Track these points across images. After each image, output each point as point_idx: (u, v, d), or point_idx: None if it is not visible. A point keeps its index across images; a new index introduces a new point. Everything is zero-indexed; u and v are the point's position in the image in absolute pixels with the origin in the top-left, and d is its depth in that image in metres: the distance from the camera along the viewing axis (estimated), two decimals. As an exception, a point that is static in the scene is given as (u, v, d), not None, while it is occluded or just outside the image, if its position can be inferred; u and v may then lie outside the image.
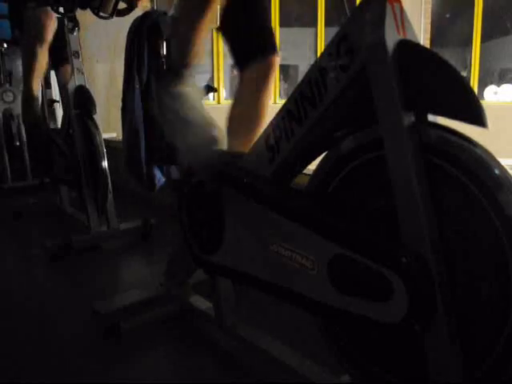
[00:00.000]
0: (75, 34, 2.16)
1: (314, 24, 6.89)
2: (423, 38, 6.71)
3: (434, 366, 0.75)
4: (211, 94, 5.97)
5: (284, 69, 7.74)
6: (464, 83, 0.69)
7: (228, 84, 7.07)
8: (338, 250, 0.80)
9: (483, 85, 7.27)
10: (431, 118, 0.76)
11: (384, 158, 0.76)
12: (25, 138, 3.42)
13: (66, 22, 2.12)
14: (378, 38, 0.73)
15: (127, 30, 1.64)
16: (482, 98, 7.21)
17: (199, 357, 1.30)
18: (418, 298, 0.72)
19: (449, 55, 7.10)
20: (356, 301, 0.79)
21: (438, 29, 7.14)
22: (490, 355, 0.71)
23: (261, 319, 1.40)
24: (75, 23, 2.15)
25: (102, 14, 2.07)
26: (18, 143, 3.52)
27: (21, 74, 3.04)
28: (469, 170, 0.70)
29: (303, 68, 7.68)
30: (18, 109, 3.44)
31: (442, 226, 0.74)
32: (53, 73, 2.64)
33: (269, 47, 1.32)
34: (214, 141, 1.18)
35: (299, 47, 7.33)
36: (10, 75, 3.68)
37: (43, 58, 2.30)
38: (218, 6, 1.21)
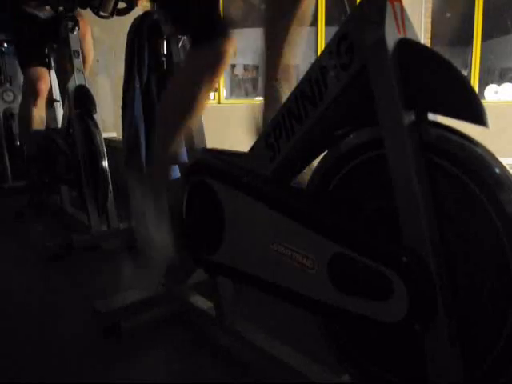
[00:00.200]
0: (75, 33, 2.16)
1: (315, 23, 6.89)
2: (424, 38, 6.71)
3: (434, 367, 0.75)
4: (211, 94, 5.96)
5: (284, 68, 7.72)
6: (464, 82, 0.69)
7: (228, 84, 7.07)
8: (338, 249, 0.80)
9: (484, 84, 7.26)
10: (431, 116, 0.76)
11: (384, 157, 0.76)
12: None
13: (65, 22, 2.13)
14: (378, 37, 0.73)
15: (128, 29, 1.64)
16: (483, 97, 7.20)
17: (199, 356, 1.30)
18: (418, 297, 0.72)
19: (449, 54, 7.09)
20: (356, 300, 0.79)
21: (439, 28, 7.13)
22: (489, 356, 0.71)
23: (261, 318, 1.39)
24: (75, 23, 2.15)
25: (101, 13, 2.07)
26: (18, 143, 3.52)
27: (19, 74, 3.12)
28: (469, 169, 0.70)
29: (304, 67, 7.64)
30: (18, 108, 3.44)
31: (443, 225, 0.73)
32: (53, 73, 2.64)
33: (219, 29, 1.13)
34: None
35: (299, 46, 7.31)
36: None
37: (40, 109, 2.59)
38: None
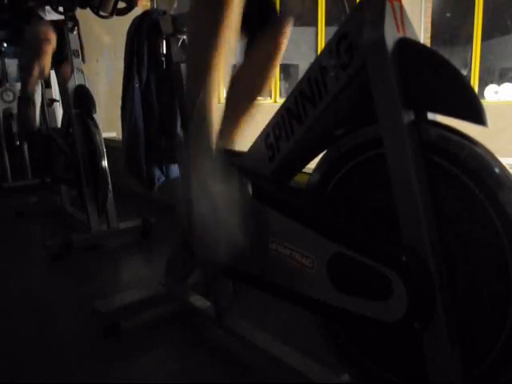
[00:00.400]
0: (75, 33, 2.16)
1: (315, 23, 6.89)
2: (423, 37, 6.71)
3: (434, 366, 0.75)
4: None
5: (284, 68, 7.74)
6: (464, 81, 0.69)
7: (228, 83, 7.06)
8: (338, 248, 0.80)
9: (484, 84, 7.26)
10: (431, 116, 0.76)
11: (384, 157, 0.76)
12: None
13: (65, 22, 2.12)
14: (377, 36, 0.73)
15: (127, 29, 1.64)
16: (483, 97, 7.20)
17: (199, 356, 1.30)
18: (418, 296, 0.72)
19: (449, 54, 7.09)
20: (355, 299, 0.79)
21: (439, 28, 7.13)
22: (489, 356, 0.71)
23: (261, 318, 1.40)
24: (75, 22, 2.15)
25: (101, 13, 2.07)
26: (18, 143, 3.52)
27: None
28: (469, 168, 0.70)
29: (303, 67, 7.66)
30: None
31: (442, 224, 0.73)
32: (53, 72, 2.64)
33: (281, 12, 1.21)
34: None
35: (300, 46, 7.33)
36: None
37: (44, 65, 2.34)
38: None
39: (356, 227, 0.82)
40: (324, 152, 0.91)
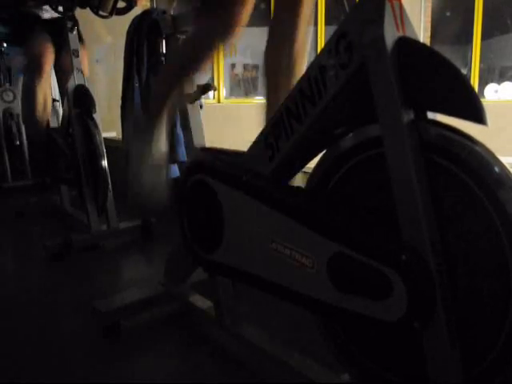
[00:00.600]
0: (75, 32, 2.16)
1: (315, 23, 6.89)
2: (423, 37, 6.70)
3: (434, 365, 0.75)
4: (211, 93, 5.97)
5: (284, 67, 7.72)
6: (463, 80, 0.69)
7: (228, 83, 7.07)
8: (338, 248, 0.80)
9: (484, 83, 7.26)
10: (431, 115, 0.75)
11: (383, 156, 0.76)
12: (25, 138, 3.44)
13: (65, 21, 2.12)
14: (377, 35, 0.73)
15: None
16: (483, 96, 7.20)
17: (199, 356, 1.30)
18: (418, 295, 0.72)
19: (449, 53, 7.09)
20: (355, 299, 0.79)
21: (439, 27, 7.13)
22: (489, 355, 0.71)
23: (261, 318, 1.40)
24: (74, 22, 2.14)
25: (101, 12, 2.07)
26: (18, 143, 3.52)
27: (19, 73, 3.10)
28: (469, 167, 0.70)
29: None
30: (18, 108, 3.45)
31: (442, 224, 0.73)
32: (53, 72, 2.64)
33: None
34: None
35: (299, 46, 7.32)
36: (9, 74, 3.68)
37: (45, 85, 2.46)
38: None
39: (356, 226, 0.82)
40: (324, 151, 0.91)
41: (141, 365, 1.27)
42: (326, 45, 0.82)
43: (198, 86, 1.30)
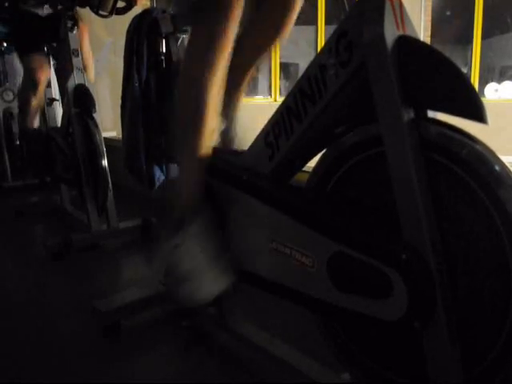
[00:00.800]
0: (74, 32, 2.16)
1: (315, 22, 6.89)
2: (423, 36, 6.70)
3: (434, 365, 0.75)
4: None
5: (284, 67, 7.74)
6: (464, 79, 0.69)
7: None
8: (338, 247, 0.80)
9: (484, 82, 7.25)
10: (431, 114, 0.75)
11: (383, 155, 0.76)
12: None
13: (65, 21, 2.12)
14: (377, 34, 0.72)
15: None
16: (483, 95, 7.19)
17: (199, 356, 1.30)
18: (418, 295, 0.72)
19: (449, 52, 7.08)
20: (355, 298, 0.79)
21: (439, 26, 7.13)
22: (489, 354, 0.71)
23: (261, 317, 1.39)
24: (74, 22, 2.14)
25: (101, 12, 2.06)
26: (18, 142, 3.52)
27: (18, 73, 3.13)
28: (469, 166, 0.69)
29: (303, 66, 7.66)
30: (18, 108, 3.44)
31: (442, 223, 0.73)
32: (53, 72, 2.64)
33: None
34: None
35: (299, 45, 7.33)
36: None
37: (40, 95, 2.61)
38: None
39: (356, 226, 0.82)
40: (324, 150, 0.91)
41: (141, 365, 1.27)
42: (325, 44, 0.81)
43: None
